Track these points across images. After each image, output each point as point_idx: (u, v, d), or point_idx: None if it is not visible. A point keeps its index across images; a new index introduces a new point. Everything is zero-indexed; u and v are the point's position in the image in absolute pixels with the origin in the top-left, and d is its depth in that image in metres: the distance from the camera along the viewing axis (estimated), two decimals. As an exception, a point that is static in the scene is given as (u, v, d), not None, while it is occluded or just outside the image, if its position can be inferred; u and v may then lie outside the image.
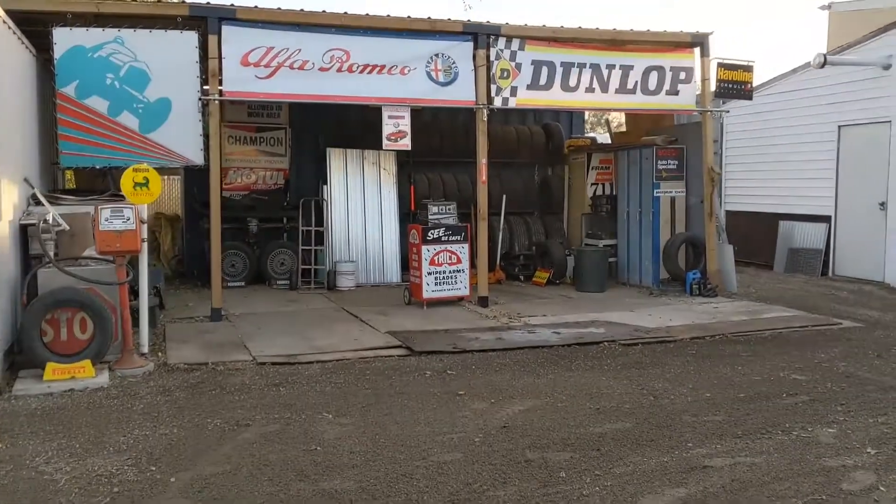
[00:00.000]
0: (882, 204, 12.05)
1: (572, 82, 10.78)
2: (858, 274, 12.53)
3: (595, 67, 10.90)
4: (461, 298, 10.37)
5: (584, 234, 13.14)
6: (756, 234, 14.49)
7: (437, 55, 10.23)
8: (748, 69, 11.57)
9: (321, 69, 9.81)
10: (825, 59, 11.67)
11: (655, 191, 11.65)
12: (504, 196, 12.84)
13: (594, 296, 11.33)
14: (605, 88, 10.97)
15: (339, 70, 9.87)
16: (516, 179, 13.89)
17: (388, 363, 7.35)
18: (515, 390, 6.43)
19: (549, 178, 14.15)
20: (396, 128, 10.00)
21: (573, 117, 14.86)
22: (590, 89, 10.88)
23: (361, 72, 9.96)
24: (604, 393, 6.37)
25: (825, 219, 13.14)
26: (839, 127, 12.84)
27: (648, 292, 11.46)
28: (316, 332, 8.54)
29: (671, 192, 11.73)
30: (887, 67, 11.85)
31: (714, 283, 11.18)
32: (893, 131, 11.81)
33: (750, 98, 11.87)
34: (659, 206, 11.67)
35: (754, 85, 11.90)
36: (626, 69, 11.03)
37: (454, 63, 10.28)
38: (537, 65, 10.62)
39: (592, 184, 13.33)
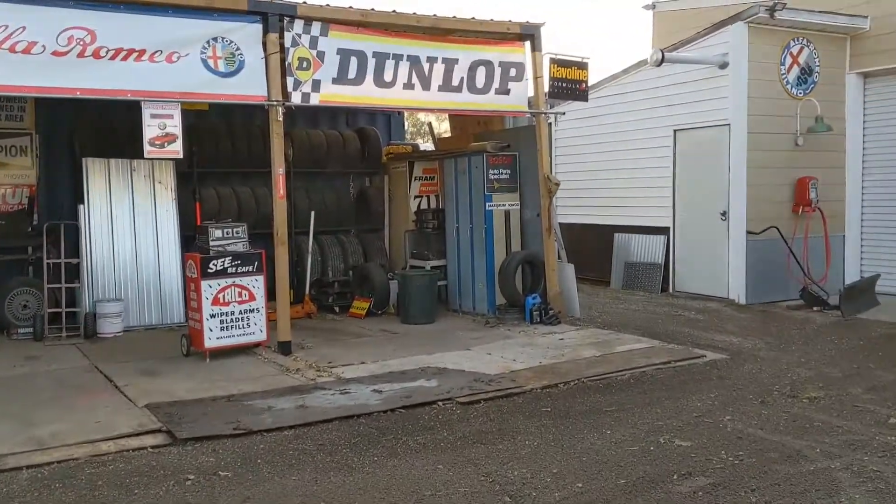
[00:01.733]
0: (723, 213, 11.19)
1: (388, 76, 8.98)
2: (700, 289, 11.62)
3: (414, 60, 9.16)
4: (257, 345, 8.24)
5: (408, 254, 11.39)
6: (590, 248, 13.38)
7: (215, 39, 8.06)
8: (583, 66, 10.29)
9: (55, 53, 7.36)
10: (663, 55, 10.65)
11: (488, 204, 10.09)
12: (312, 212, 10.82)
13: (423, 329, 9.57)
14: (426, 85, 9.25)
15: (81, 55, 7.46)
16: (328, 192, 11.90)
17: (134, 463, 5.13)
18: (316, 501, 4.47)
19: (366, 190, 12.28)
20: (163, 130, 7.71)
21: (392, 120, 13.09)
22: (409, 85, 9.12)
23: (113, 58, 7.59)
24: (441, 493, 4.55)
25: (663, 230, 12.18)
26: (675, 131, 11.92)
27: (484, 321, 9.86)
28: (45, 412, 6.13)
29: (505, 204, 10.22)
30: (724, 66, 11.01)
31: (556, 309, 9.76)
32: (733, 135, 10.97)
33: (585, 99, 10.61)
34: (492, 221, 10.11)
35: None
36: (451, 63, 9.37)
37: (238, 49, 8.15)
38: (345, 54, 8.72)
39: (416, 196, 11.62)
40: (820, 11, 11.05)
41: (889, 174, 11.39)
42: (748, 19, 10.68)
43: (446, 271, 10.84)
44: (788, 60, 11.15)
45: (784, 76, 11.12)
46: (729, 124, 11.02)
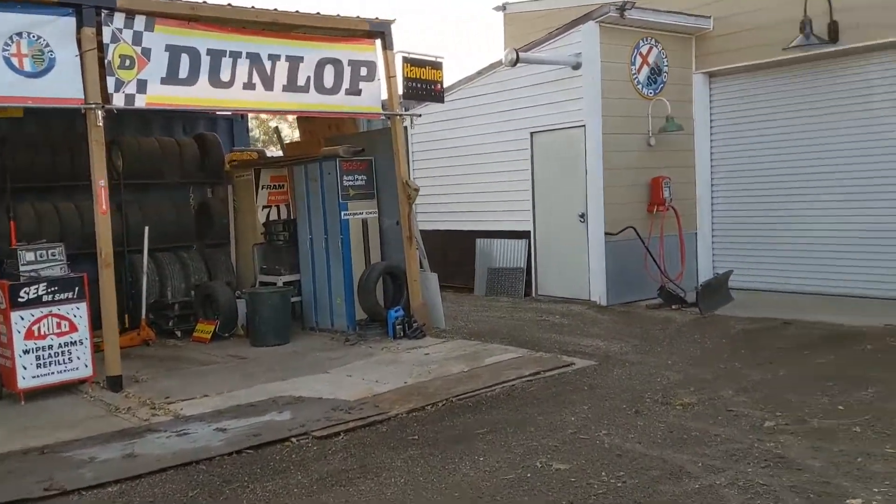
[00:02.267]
0: (582, 216, 11.07)
1: (225, 76, 8.15)
2: (563, 293, 11.46)
3: (255, 58, 8.38)
4: (82, 381, 7.22)
5: (258, 269, 10.54)
6: (453, 255, 13.00)
7: (20, 34, 6.98)
8: (437, 66, 9.85)
9: None
10: (517, 55, 10.37)
11: (343, 212, 9.45)
12: (147, 228, 9.78)
13: (276, 352, 8.80)
14: (269, 84, 8.50)
15: None
16: (165, 205, 10.85)
17: None
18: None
19: (208, 201, 11.31)
20: (-47, 138, 6.58)
21: (234, 125, 12.16)
22: (249, 85, 8.33)
23: None
24: (296, 555, 3.89)
25: (525, 235, 11.96)
26: (532, 133, 11.72)
27: (344, 339, 9.20)
28: None
29: (362, 213, 9.61)
30: (577, 67, 10.89)
31: (421, 321, 9.24)
32: (588, 136, 10.86)
33: (441, 100, 10.18)
34: (349, 231, 9.48)
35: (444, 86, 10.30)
36: (296, 61, 8.65)
37: (48, 46, 7.10)
38: (174, 52, 7.82)
39: (265, 206, 10.79)
40: (667, 11, 11.15)
41: (735, 172, 11.67)
42: (599, 19, 10.61)
43: (301, 287, 10.10)
44: (639, 60, 11.19)
45: (635, 76, 11.15)
46: (584, 125, 10.91)
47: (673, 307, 10.43)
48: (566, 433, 5.59)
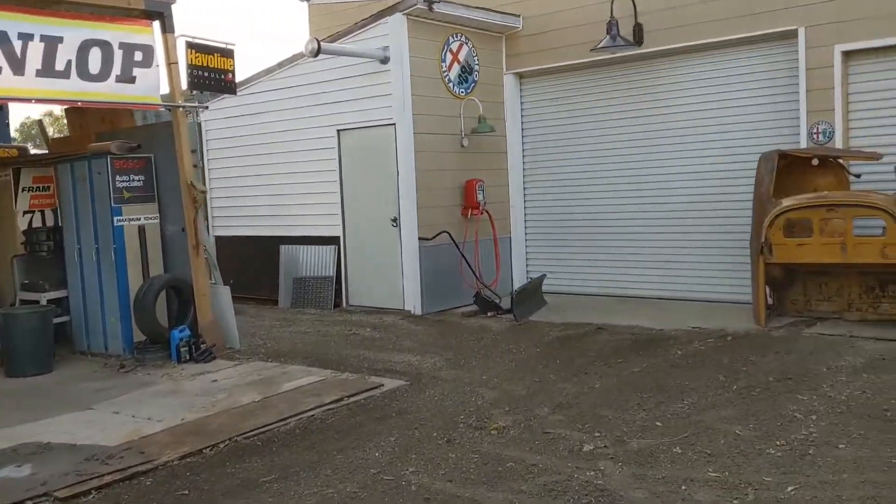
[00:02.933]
0: (394, 220, 10.40)
1: (-42, 56, 6.73)
2: (376, 302, 10.74)
3: (1, 37, 7.01)
4: None
5: (18, 285, 9.00)
6: (253, 264, 11.93)
7: None
8: (227, 54, 8.82)
9: None
10: (319, 45, 9.51)
11: (116, 217, 8.20)
12: None
13: (34, 384, 7.44)
14: (18, 68, 7.12)
15: None
16: None
17: None
18: None
19: (-45, 206, 9.55)
20: None
21: (-12, 118, 10.42)
22: (-9, 68, 6.94)
23: None
24: None
25: (333, 240, 11.12)
26: (339, 131, 10.91)
27: (118, 365, 7.96)
28: None
29: (139, 218, 8.38)
30: (385, 61, 10.21)
31: (211, 342, 8.18)
32: (399, 135, 10.21)
33: (233, 92, 9.16)
34: (123, 240, 8.24)
35: (240, 78, 9.30)
36: (53, 42, 7.33)
37: None
38: None
39: (26, 212, 9.22)
40: (477, 7, 10.73)
41: (547, 174, 11.49)
42: (406, 11, 9.98)
43: (69, 304, 8.69)
44: (449, 57, 10.69)
45: (446, 74, 10.64)
46: (394, 124, 10.24)
47: (489, 314, 10.01)
48: (368, 474, 4.84)
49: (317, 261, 11.27)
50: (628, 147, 10.67)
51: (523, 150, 11.69)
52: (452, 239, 10.36)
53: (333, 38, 10.74)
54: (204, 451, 5.37)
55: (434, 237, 10.29)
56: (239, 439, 5.58)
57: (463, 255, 10.46)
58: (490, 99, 11.21)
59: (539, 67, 11.24)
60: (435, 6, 10.01)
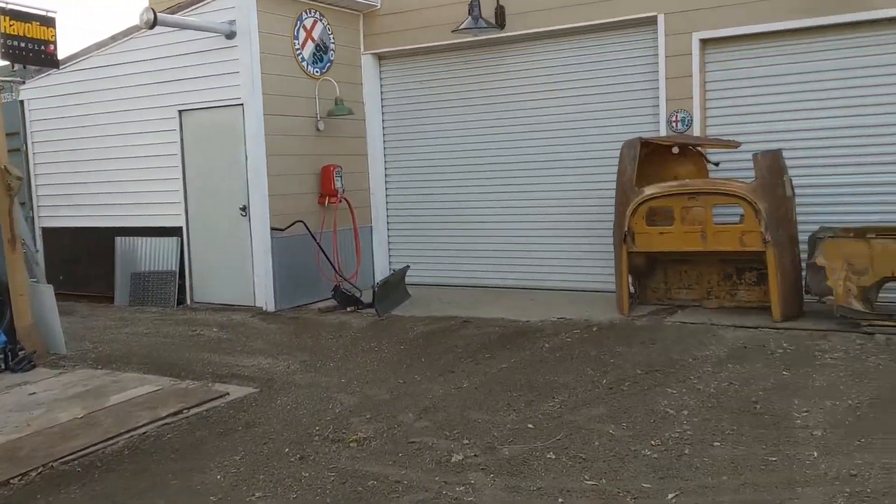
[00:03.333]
0: (243, 208, 9.62)
1: None
2: (224, 298, 9.93)
3: None
4: None
5: None
6: (86, 257, 10.80)
7: None
8: (48, 22, 7.86)
9: None
10: (155, 16, 8.54)
11: None
12: None
13: None
14: None
15: None
16: None
17: None
18: None
19: None
20: None
21: None
22: None
23: None
24: None
25: (176, 231, 10.17)
26: (180, 112, 9.97)
27: (-86, 379, 6.82)
28: None
29: (-62, 209, 7.23)
30: (232, 36, 9.38)
31: (31, 348, 7.18)
32: (248, 117, 9.42)
33: (56, 65, 8.18)
34: (-82, 234, 7.06)
35: (70, 51, 8.29)
36: None
37: None
38: None
39: None
40: (331, -17, 10.09)
41: (409, 161, 11.02)
42: (255, -18, 9.20)
43: None
44: (302, 34, 9.99)
45: (299, 52, 9.93)
46: (243, 105, 9.44)
47: (349, 309, 9.43)
48: (207, 502, 4.19)
49: (158, 254, 10.29)
50: (492, 133, 10.36)
51: (384, 134, 11.16)
52: (308, 229, 9.70)
53: (174, 10, 9.79)
54: (11, 481, 4.54)
55: (288, 227, 9.59)
56: (55, 465, 4.77)
57: (320, 246, 9.82)
58: (348, 80, 10.60)
59: (399, 48, 10.73)
60: (286, -21, 9.29)
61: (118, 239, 10.58)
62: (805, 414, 5.13)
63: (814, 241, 7.72)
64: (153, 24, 8.56)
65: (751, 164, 7.76)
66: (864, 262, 7.40)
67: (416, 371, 6.66)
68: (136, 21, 9.05)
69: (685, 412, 5.28)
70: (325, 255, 9.87)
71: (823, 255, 7.54)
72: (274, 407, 5.83)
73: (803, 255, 7.88)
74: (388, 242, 11.29)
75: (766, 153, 7.77)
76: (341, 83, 10.27)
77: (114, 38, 10.36)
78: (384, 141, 11.16)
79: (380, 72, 11.09)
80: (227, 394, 6.13)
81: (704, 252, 8.07)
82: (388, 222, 11.25)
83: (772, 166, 7.75)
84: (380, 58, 11.04)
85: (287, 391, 6.22)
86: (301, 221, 9.66)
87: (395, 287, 9.77)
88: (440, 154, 10.75)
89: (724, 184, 7.94)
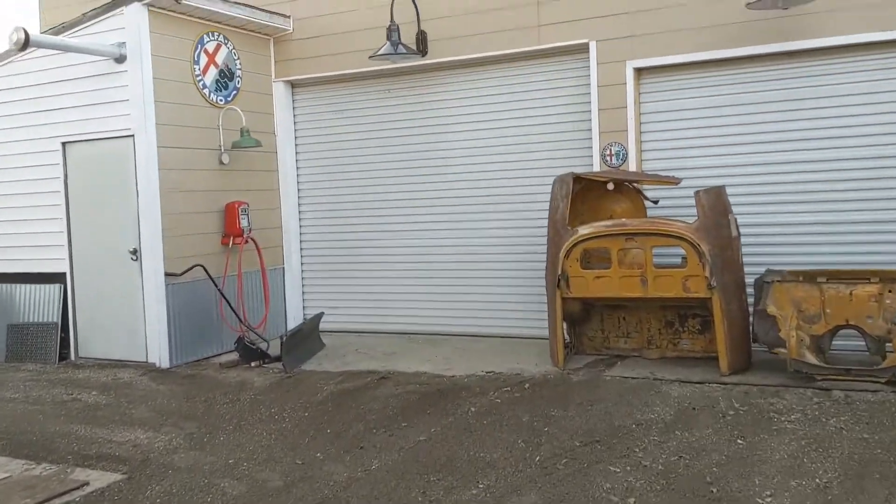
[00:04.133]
0: (134, 252, 8.54)
1: None
2: (113, 354, 8.79)
3: None
4: None
5: None
6: (-41, 307, 9.53)
7: None
8: None
9: None
10: (27, 36, 7.47)
11: None
12: None
13: None
14: None
15: None
16: None
17: None
18: None
19: None
20: None
21: None
22: None
23: None
24: None
25: (59, 277, 9.02)
26: (64, 144, 8.88)
27: None
28: None
29: None
30: (121, 60, 8.39)
31: None
32: (139, 149, 8.40)
33: None
34: None
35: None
36: None
37: None
38: None
39: None
40: (237, 3, 9.17)
41: (325, 197, 10.10)
42: (148, 1, 8.22)
43: None
44: (204, 59, 9.03)
45: (200, 78, 8.96)
46: (133, 136, 8.41)
47: (253, 364, 8.40)
48: None
49: (38, 302, 9.11)
50: (415, 167, 9.55)
51: (297, 167, 10.24)
52: (207, 273, 8.68)
53: (58, 31, 8.73)
54: None
55: (184, 272, 8.54)
56: None
57: (221, 293, 8.80)
58: (257, 109, 9.68)
59: (314, 76, 9.86)
60: (183, -3, 8.35)
61: (-3, 286, 9.37)
62: (769, 499, 4.38)
63: (761, 285, 7.12)
64: (24, 44, 7.49)
65: (692, 202, 7.11)
66: (815, 308, 6.81)
67: (319, 446, 5.71)
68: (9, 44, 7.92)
69: (631, 499, 4.47)
70: (228, 303, 8.85)
71: (773, 301, 6.93)
72: (140, 502, 4.80)
73: (751, 300, 7.25)
74: (303, 285, 10.31)
75: (708, 190, 7.13)
76: (249, 112, 9.34)
77: (-13, 61, 9.22)
78: (298, 174, 10.23)
79: (293, 100, 10.19)
80: (87, 483, 5.08)
81: (645, 298, 7.36)
82: (302, 263, 10.29)
83: (715, 204, 7.11)
84: (293, 85, 10.15)
85: (161, 477, 5.19)
86: (200, 265, 8.63)
87: (306, 337, 8.82)
88: (359, 189, 9.88)
89: (665, 223, 7.25)
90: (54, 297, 9.00)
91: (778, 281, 6.99)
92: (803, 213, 7.78)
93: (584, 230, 7.40)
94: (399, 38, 8.72)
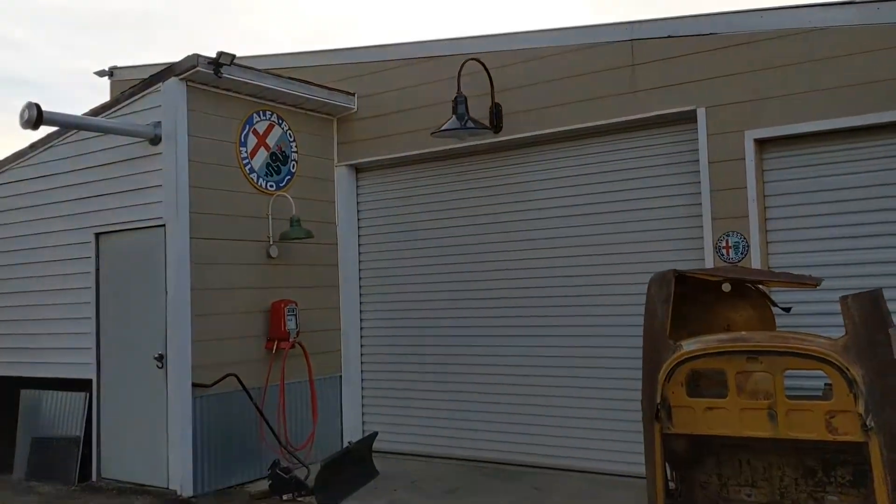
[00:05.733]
0: (160, 358, 7.45)
1: None
2: (135, 475, 7.63)
3: None
4: None
5: None
6: (-11, 413, 8.72)
7: None
8: None
9: None
10: (39, 114, 6.64)
11: None
12: None
13: None
14: None
15: None
16: None
17: None
18: None
19: None
20: None
21: None
22: None
23: None
24: None
25: (86, 385, 8.03)
26: (97, 235, 8.05)
27: None
28: None
29: None
30: (156, 141, 7.51)
31: None
32: (170, 241, 7.41)
33: None
34: None
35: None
36: None
37: None
38: None
39: None
40: (293, 79, 8.22)
41: (391, 296, 8.79)
42: (185, 75, 7.36)
43: None
44: (253, 140, 8.07)
45: (247, 161, 7.98)
46: (164, 225, 7.44)
47: (285, 497, 7.01)
48: None
49: (62, 412, 8.13)
50: (489, 263, 8.12)
51: (360, 262, 9.02)
52: (241, 383, 7.43)
53: (97, 112, 8.01)
54: None
55: (215, 383, 7.34)
56: None
57: (257, 407, 7.53)
58: (316, 196, 8.63)
59: (382, 157, 8.72)
60: (225, 71, 7.43)
61: (23, 392, 8.48)
62: None
63: (940, 424, 5.12)
64: (36, 122, 6.67)
65: (838, 310, 5.26)
66: None
67: None
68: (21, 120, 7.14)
69: None
70: (265, 419, 7.54)
71: (961, 451, 4.91)
72: None
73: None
74: (363, 397, 8.91)
75: (859, 295, 5.25)
76: (307, 200, 8.33)
77: (33, 147, 8.62)
78: (360, 270, 9.00)
79: (356, 186, 9.06)
80: None
81: (774, 438, 5.48)
82: (362, 371, 8.92)
83: (870, 314, 5.21)
84: (357, 170, 9.05)
85: None
86: (233, 375, 7.41)
87: (354, 463, 7.35)
88: (429, 288, 8.51)
89: (800, 339, 5.39)
90: (78, 407, 8.00)
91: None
92: None
93: (690, 345, 5.65)
94: (466, 110, 7.45)
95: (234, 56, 7.37)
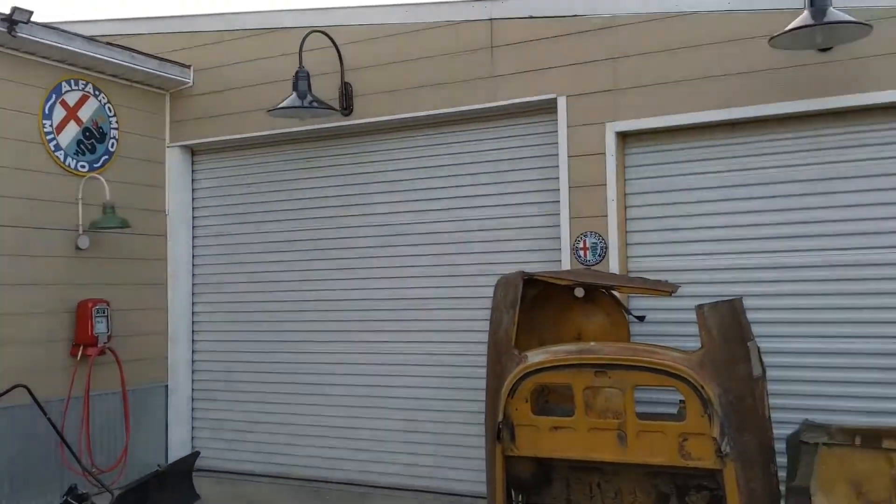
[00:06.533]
0: None
1: None
2: None
3: None
4: None
5: None
6: None
7: None
8: None
9: None
10: None
11: None
12: None
13: None
14: None
15: None
16: None
17: None
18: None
19: None
20: None
21: None
22: None
23: None
24: None
25: None
26: None
27: None
28: None
29: None
30: None
31: None
32: (-53, 227, 6.23)
33: None
34: None
35: None
36: None
37: None
38: None
39: None
40: (111, 44, 7.17)
41: (228, 296, 7.83)
42: (-29, 31, 6.22)
43: None
44: (61, 113, 6.96)
45: (51, 137, 6.87)
46: None
47: (81, 530, 5.99)
48: None
49: None
50: (345, 259, 7.29)
51: (193, 256, 8.03)
52: (33, 396, 6.30)
53: None
54: None
55: (3, 394, 6.23)
56: None
57: (52, 423, 6.42)
58: (141, 181, 7.60)
59: (220, 138, 7.74)
60: (23, 30, 6.32)
61: None
62: None
63: (796, 446, 4.77)
64: None
65: (694, 319, 4.74)
66: (883, 488, 4.40)
67: None
68: None
69: None
70: (61, 436, 6.46)
71: (817, 477, 4.50)
72: None
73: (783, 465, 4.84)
74: (193, 409, 7.92)
75: (717, 305, 4.73)
76: (130, 184, 7.33)
77: None
78: (193, 266, 8.01)
79: (192, 171, 8.07)
80: None
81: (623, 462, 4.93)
82: (193, 380, 7.93)
83: (728, 326, 4.71)
84: (193, 151, 8.04)
85: None
86: (23, 386, 6.28)
87: (165, 489, 6.38)
88: (273, 287, 7.60)
89: (652, 352, 4.84)
90: None
91: (825, 444, 4.62)
92: (859, 339, 5.39)
93: (536, 356, 5.03)
94: (309, 89, 6.61)
95: (31, 13, 6.27)
